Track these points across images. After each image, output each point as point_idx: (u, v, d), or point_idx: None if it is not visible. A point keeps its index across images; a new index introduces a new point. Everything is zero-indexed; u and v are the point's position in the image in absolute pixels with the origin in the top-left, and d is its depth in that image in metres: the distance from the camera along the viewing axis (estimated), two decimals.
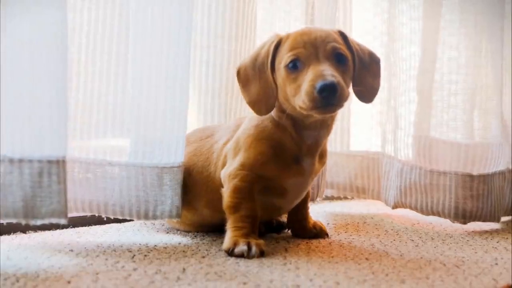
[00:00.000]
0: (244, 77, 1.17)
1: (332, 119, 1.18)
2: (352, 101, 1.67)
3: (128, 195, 1.20)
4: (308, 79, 1.06)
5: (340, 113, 1.64)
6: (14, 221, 1.03)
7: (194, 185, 1.23)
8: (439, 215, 1.48)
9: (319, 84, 1.03)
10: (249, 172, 1.15)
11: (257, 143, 1.16)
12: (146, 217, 1.20)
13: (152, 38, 1.18)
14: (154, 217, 1.21)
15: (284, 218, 1.36)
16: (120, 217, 1.22)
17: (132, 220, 1.35)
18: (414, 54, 1.52)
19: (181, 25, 1.19)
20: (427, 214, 1.49)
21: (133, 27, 1.19)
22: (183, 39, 1.20)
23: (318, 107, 1.05)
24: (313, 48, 1.09)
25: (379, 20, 1.63)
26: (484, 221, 1.46)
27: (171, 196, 1.20)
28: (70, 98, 1.19)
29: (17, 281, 0.91)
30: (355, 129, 1.71)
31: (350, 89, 1.14)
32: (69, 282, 0.91)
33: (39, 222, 1.03)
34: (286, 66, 1.10)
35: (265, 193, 1.18)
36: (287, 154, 1.16)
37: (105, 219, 1.27)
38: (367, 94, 1.18)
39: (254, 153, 1.15)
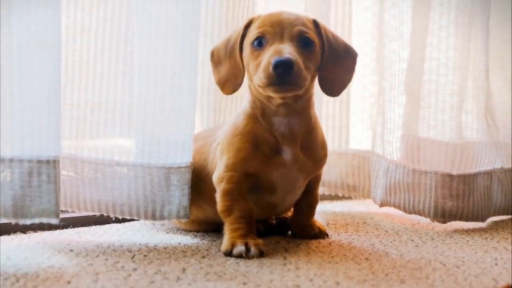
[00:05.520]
0: (217, 58, 1.20)
1: (303, 105, 1.16)
2: (351, 101, 1.68)
3: (136, 195, 1.20)
4: (267, 55, 1.07)
5: (332, 111, 1.65)
6: (3, 220, 1.03)
7: (198, 181, 1.23)
8: (420, 214, 1.48)
9: (274, 59, 1.04)
10: (233, 173, 1.15)
11: (233, 141, 1.16)
12: (153, 217, 1.21)
13: (157, 37, 1.18)
14: (162, 218, 1.21)
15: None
16: (128, 217, 1.22)
17: (133, 220, 1.35)
18: (403, 55, 1.52)
19: (185, 23, 1.19)
20: (410, 212, 1.49)
21: (138, 26, 1.20)
22: (189, 38, 1.20)
23: (273, 84, 1.06)
24: (280, 28, 1.10)
25: (377, 20, 1.63)
26: (466, 220, 1.47)
27: (178, 197, 1.21)
28: (80, 98, 1.21)
29: (17, 281, 0.91)
30: (348, 129, 1.70)
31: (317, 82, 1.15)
32: (69, 282, 0.91)
33: (28, 222, 1.03)
34: (251, 43, 1.12)
35: (256, 190, 1.18)
36: (264, 145, 1.15)
37: (111, 217, 1.27)
38: (333, 85, 1.18)
39: (233, 151, 1.16)
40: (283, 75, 1.04)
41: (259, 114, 1.16)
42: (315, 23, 1.16)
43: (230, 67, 1.17)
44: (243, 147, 1.15)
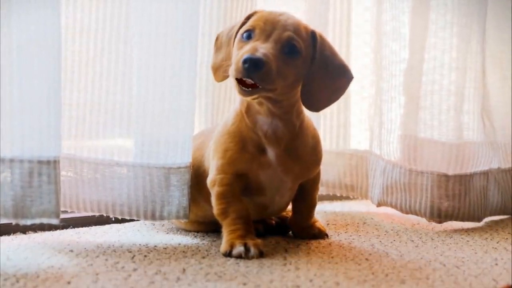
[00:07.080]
0: (219, 43, 1.21)
1: (284, 111, 1.14)
2: (351, 102, 1.69)
3: (135, 195, 1.20)
4: (244, 49, 1.07)
5: (330, 111, 1.64)
6: (4, 220, 1.04)
7: (196, 178, 1.24)
8: (416, 214, 1.48)
9: (246, 55, 1.04)
10: (224, 175, 1.15)
11: (222, 140, 1.17)
12: (153, 217, 1.21)
13: (156, 37, 1.18)
14: (161, 218, 1.22)
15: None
16: (128, 217, 1.22)
17: (133, 220, 1.35)
18: (402, 56, 1.52)
19: (185, 23, 1.19)
20: (406, 213, 1.50)
21: (138, 26, 1.20)
22: (189, 38, 1.20)
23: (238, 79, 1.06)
24: (271, 28, 1.10)
25: (375, 21, 1.63)
26: (462, 220, 1.47)
27: (178, 197, 1.21)
28: (79, 99, 1.21)
29: (17, 281, 0.91)
30: (346, 128, 1.70)
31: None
32: (69, 282, 0.91)
33: (29, 222, 1.03)
34: (241, 34, 1.12)
35: (246, 192, 1.17)
36: (249, 144, 1.15)
37: (111, 217, 1.27)
38: (318, 100, 1.16)
39: (222, 152, 1.16)
40: (249, 71, 1.03)
41: (245, 111, 1.16)
42: (312, 35, 1.14)
43: (225, 54, 1.18)
44: (229, 147, 1.15)
